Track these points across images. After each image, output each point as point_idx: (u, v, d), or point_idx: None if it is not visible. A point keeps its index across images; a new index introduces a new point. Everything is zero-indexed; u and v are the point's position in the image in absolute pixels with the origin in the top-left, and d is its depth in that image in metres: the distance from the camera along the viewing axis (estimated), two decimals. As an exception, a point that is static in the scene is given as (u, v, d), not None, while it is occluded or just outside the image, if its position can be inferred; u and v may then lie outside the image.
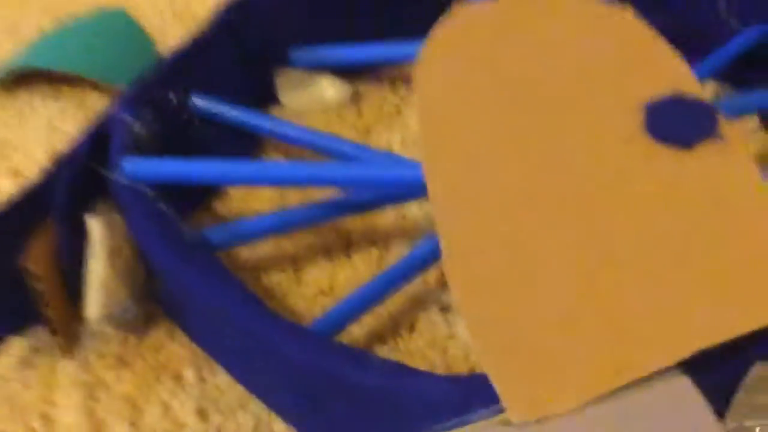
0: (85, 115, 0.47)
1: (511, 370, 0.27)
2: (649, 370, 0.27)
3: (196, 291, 0.34)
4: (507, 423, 0.26)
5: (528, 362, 0.27)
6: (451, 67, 0.34)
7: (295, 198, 0.42)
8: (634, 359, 0.27)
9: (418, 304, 0.38)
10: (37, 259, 0.34)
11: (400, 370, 0.30)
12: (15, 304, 0.35)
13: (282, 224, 0.38)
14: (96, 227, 0.35)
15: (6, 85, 0.49)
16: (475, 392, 0.27)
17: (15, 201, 0.35)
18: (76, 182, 0.35)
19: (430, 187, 0.31)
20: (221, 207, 0.42)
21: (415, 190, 0.37)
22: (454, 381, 0.29)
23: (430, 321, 0.38)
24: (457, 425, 0.27)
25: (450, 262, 0.29)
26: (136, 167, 0.36)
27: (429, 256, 0.36)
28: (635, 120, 0.32)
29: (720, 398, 0.27)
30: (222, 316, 0.33)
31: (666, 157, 0.31)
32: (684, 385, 0.27)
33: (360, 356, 0.30)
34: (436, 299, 0.38)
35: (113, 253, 0.35)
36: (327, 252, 0.40)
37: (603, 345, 0.27)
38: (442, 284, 0.39)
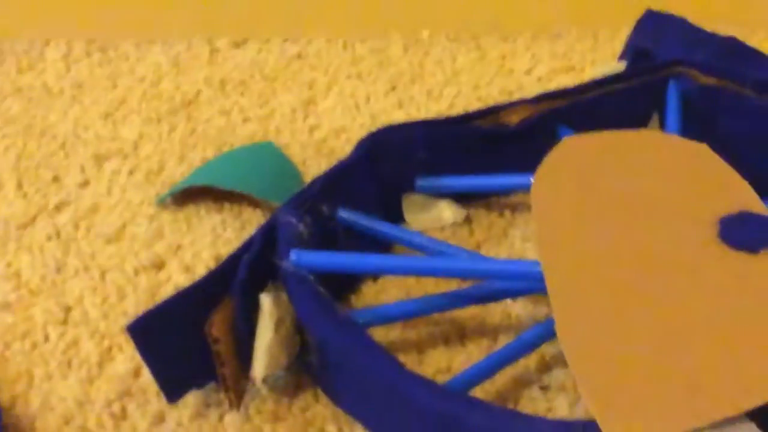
0: (242, 226, 0.56)
1: (609, 408, 0.34)
2: (720, 415, 0.34)
3: (347, 355, 0.41)
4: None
5: (623, 401, 0.34)
6: (560, 186, 0.43)
7: (417, 295, 0.50)
8: (708, 406, 0.34)
9: (521, 383, 0.45)
10: (218, 326, 0.42)
11: (514, 413, 0.37)
12: (198, 362, 0.43)
13: (413, 310, 0.46)
14: (267, 302, 0.43)
15: (178, 200, 0.58)
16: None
17: (205, 279, 0.44)
18: (253, 266, 0.44)
19: (546, 277, 0.39)
20: (356, 301, 0.50)
21: (526, 285, 0.45)
22: (564, 425, 0.36)
23: (531, 398, 0.45)
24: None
25: (562, 329, 0.36)
26: (300, 257, 0.44)
27: (532, 342, 0.44)
28: (711, 230, 0.40)
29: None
30: (367, 375, 0.41)
31: (735, 258, 0.39)
32: (751, 429, 0.34)
33: (481, 403, 0.38)
34: (537, 380, 0.45)
35: (278, 324, 0.43)
36: (445, 340, 0.48)
37: (683, 392, 0.34)
38: (542, 368, 0.46)
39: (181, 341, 0.42)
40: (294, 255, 0.44)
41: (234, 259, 0.44)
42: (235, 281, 0.43)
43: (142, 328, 0.41)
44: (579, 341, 0.36)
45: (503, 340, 0.48)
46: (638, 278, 0.38)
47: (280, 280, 0.45)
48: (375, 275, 0.52)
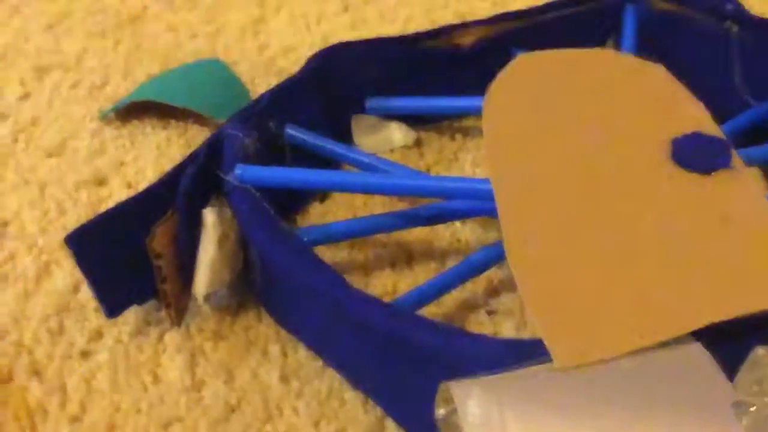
0: (187, 143, 0.54)
1: (557, 327, 0.34)
2: (667, 335, 0.33)
3: (290, 272, 0.40)
4: (551, 369, 0.33)
5: (571, 321, 0.34)
6: (511, 104, 0.42)
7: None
8: (656, 326, 0.34)
9: (468, 307, 0.45)
10: (160, 240, 0.41)
11: (461, 332, 0.37)
12: (139, 278, 0.42)
13: (360, 229, 0.45)
14: (210, 216, 0.42)
15: (122, 116, 0.56)
16: (527, 353, 0.34)
17: (147, 191, 0.42)
18: (196, 179, 0.43)
19: (497, 196, 0.38)
20: (302, 221, 0.49)
21: (475, 205, 0.44)
22: (508, 343, 0.36)
23: (478, 322, 0.44)
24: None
25: (511, 249, 0.36)
26: (245, 171, 0.43)
27: (479, 265, 0.43)
28: (663, 151, 0.39)
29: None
30: (310, 293, 0.40)
31: (687, 179, 0.38)
32: (697, 349, 0.33)
33: (429, 321, 0.37)
34: (484, 303, 0.45)
35: (222, 240, 0.42)
36: (392, 262, 0.47)
37: (631, 312, 0.34)
38: (489, 292, 0.45)
39: (122, 255, 0.41)
40: (239, 169, 0.43)
41: (178, 172, 0.43)
42: (178, 194, 0.42)
43: (80, 239, 0.40)
44: (528, 261, 0.36)
45: (451, 264, 0.47)
46: (589, 199, 0.38)
47: (224, 195, 0.43)
48: (322, 196, 0.51)
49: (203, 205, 0.43)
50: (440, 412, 0.33)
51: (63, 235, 0.40)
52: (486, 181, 0.40)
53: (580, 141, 0.40)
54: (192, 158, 0.44)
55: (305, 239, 0.44)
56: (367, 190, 0.47)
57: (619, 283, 0.35)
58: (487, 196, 0.39)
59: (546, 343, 0.33)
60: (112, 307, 0.42)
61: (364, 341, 0.39)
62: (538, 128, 0.41)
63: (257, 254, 0.42)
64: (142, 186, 0.51)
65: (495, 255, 0.43)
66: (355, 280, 0.46)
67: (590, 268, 0.36)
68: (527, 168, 0.39)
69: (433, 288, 0.43)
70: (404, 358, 0.37)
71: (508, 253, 0.36)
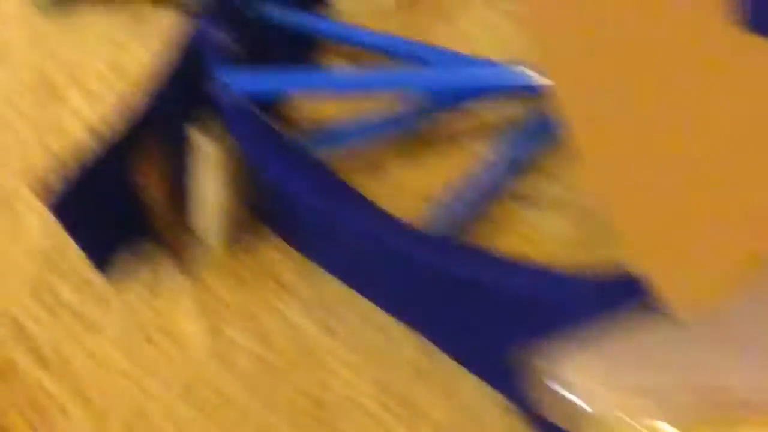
0: (138, 26, 0.46)
1: (667, 272, 0.28)
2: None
3: (307, 196, 0.35)
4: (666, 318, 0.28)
5: (679, 258, 0.28)
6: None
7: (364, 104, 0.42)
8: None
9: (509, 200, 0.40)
10: (145, 172, 0.35)
11: (544, 272, 0.31)
12: (128, 224, 0.36)
13: (372, 127, 0.39)
14: (204, 142, 0.36)
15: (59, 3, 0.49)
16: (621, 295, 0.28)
17: (121, 126, 0.36)
18: (175, 96, 0.36)
19: (561, 101, 0.31)
20: (295, 116, 0.43)
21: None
22: (598, 286, 0.30)
23: (506, 210, 0.39)
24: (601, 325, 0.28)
25: (593, 172, 0.30)
26: (233, 79, 0.36)
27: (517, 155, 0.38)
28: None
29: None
30: (333, 219, 0.34)
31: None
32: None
33: (476, 251, 0.32)
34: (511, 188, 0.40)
35: (224, 172, 0.36)
36: (413, 157, 0.41)
37: (738, 228, 0.29)
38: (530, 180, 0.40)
39: (107, 203, 0.35)
40: (225, 76, 0.36)
41: (150, 93, 0.36)
42: (158, 119, 0.36)
43: (63, 204, 0.34)
44: (614, 188, 0.30)
45: (476, 152, 0.41)
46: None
47: (210, 109, 0.37)
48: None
49: (188, 124, 0.36)
50: (546, 384, 0.28)
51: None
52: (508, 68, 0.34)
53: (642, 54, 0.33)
54: (166, 72, 0.37)
55: (315, 148, 0.37)
56: (384, 86, 0.40)
57: (716, 198, 0.29)
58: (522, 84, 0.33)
59: (659, 295, 0.28)
60: (103, 261, 0.36)
61: (400, 273, 0.34)
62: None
63: (264, 175, 0.36)
64: (98, 86, 0.44)
65: (529, 138, 0.38)
66: (375, 185, 0.40)
67: (684, 187, 0.30)
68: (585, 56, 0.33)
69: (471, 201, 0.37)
70: (471, 298, 0.32)
71: (589, 179, 0.30)
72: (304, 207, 0.35)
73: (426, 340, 0.35)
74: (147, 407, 0.34)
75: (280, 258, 0.38)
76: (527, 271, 0.30)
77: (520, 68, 0.35)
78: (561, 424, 0.27)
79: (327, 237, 0.36)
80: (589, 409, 0.27)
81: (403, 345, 0.35)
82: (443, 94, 0.40)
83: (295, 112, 0.42)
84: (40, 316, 0.37)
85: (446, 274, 0.32)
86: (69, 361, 0.36)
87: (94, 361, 0.36)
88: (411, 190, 0.40)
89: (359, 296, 0.36)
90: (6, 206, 0.40)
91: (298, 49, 0.43)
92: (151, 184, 0.35)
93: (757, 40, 0.32)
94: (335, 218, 0.34)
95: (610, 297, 0.28)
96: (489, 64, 0.37)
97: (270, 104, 0.40)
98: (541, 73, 0.34)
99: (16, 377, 0.35)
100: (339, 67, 0.43)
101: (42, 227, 0.39)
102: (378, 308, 0.36)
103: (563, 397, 0.27)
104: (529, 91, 0.36)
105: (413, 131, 0.41)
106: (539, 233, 0.38)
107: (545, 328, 0.28)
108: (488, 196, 0.38)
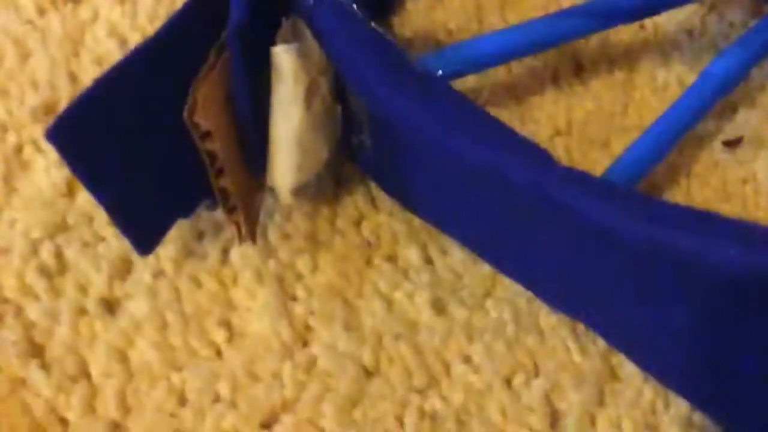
0: None
1: None
2: None
3: (434, 134, 0.23)
4: None
5: None
6: None
7: (483, 16, 0.31)
8: None
9: (694, 139, 0.29)
10: (204, 110, 0.24)
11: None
12: (180, 179, 0.25)
13: (515, 45, 0.28)
14: (286, 57, 0.25)
15: None
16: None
17: (159, 36, 0.24)
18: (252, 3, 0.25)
19: None
20: (402, 27, 0.32)
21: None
22: None
23: (713, 160, 0.28)
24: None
25: None
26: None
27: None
28: None
29: None
30: (471, 167, 0.23)
31: None
32: None
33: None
34: (716, 130, 0.29)
35: (308, 94, 0.25)
36: (555, 81, 0.30)
37: None
38: (718, 112, 0.29)
39: (140, 148, 0.24)
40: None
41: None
42: (227, 27, 0.24)
43: (68, 131, 0.22)
44: None
45: (645, 72, 0.30)
46: None
47: (298, 17, 0.26)
48: None
49: (266, 41, 0.25)
50: None
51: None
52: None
53: None
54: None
55: (439, 71, 0.27)
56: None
57: None
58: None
59: None
60: (146, 240, 0.25)
61: (565, 242, 0.23)
62: None
63: (368, 106, 0.25)
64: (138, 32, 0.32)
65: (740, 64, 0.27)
66: (510, 118, 0.29)
67: None
68: None
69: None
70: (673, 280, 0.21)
71: None
72: (428, 147, 0.24)
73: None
74: None
75: (393, 225, 0.27)
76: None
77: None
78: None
79: (459, 192, 0.25)
80: None
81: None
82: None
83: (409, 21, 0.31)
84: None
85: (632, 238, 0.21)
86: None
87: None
88: (548, 124, 0.29)
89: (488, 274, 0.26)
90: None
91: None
92: (214, 128, 0.24)
93: None
94: (477, 162, 0.23)
95: None
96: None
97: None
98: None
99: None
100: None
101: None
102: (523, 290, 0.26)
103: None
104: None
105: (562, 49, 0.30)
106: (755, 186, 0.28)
107: None
108: (681, 135, 0.28)
